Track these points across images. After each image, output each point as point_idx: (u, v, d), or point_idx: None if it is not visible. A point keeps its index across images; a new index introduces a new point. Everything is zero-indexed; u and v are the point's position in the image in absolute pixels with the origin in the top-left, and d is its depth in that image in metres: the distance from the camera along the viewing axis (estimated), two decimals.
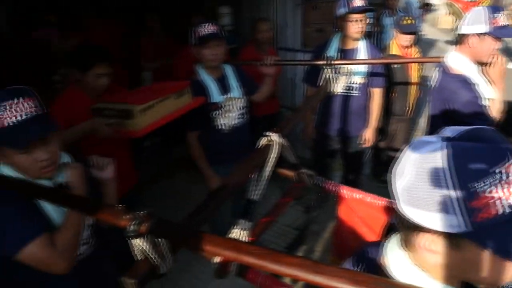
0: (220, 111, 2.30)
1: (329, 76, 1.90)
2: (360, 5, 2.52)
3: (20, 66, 3.71)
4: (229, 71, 2.36)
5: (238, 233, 1.29)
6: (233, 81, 2.34)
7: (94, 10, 3.69)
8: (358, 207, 1.75)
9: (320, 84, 1.94)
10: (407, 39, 3.18)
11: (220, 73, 2.32)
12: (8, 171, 1.19)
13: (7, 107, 1.10)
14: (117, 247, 2.48)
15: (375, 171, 3.96)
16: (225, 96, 2.30)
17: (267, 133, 1.33)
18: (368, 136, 2.97)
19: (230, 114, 2.35)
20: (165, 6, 4.37)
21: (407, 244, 0.68)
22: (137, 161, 4.06)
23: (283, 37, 4.03)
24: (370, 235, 1.80)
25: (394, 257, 0.69)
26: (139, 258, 0.87)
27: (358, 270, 0.77)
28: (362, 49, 2.71)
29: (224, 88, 2.31)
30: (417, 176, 0.61)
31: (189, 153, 2.41)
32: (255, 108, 3.02)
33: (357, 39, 2.68)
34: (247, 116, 2.48)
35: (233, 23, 4.20)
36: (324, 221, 3.32)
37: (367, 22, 2.62)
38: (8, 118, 1.11)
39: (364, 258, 0.78)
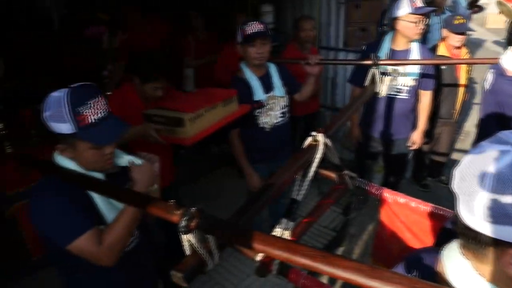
0: (262, 110, 2.31)
1: (376, 76, 1.85)
2: (422, 5, 2.42)
3: (74, 62, 3.91)
4: (272, 69, 2.36)
5: (280, 232, 1.29)
6: (276, 80, 2.34)
7: (139, 9, 3.79)
8: (401, 211, 1.70)
9: (366, 85, 1.90)
10: (459, 39, 3.05)
11: (264, 72, 2.32)
12: (68, 163, 1.24)
13: (91, 105, 1.16)
14: (159, 241, 2.58)
15: (416, 175, 3.83)
16: (268, 95, 2.31)
17: (312, 133, 1.32)
18: (416, 138, 2.90)
19: (272, 112, 2.35)
20: (209, 4, 4.43)
21: (471, 253, 0.65)
22: (175, 157, 4.16)
23: (325, 35, 3.98)
24: (414, 241, 1.75)
25: (455, 266, 0.67)
26: (188, 253, 0.89)
27: (413, 276, 0.75)
28: (414, 50, 2.60)
29: (267, 86, 2.31)
30: (504, 191, 0.57)
31: (229, 151, 2.44)
32: (295, 107, 3.00)
33: (414, 41, 2.58)
34: (289, 115, 2.48)
35: (275, 21, 4.19)
36: (362, 224, 3.26)
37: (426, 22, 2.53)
38: (91, 116, 1.17)
39: (419, 265, 0.76)
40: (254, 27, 2.13)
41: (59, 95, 1.16)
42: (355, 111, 1.60)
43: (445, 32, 3.13)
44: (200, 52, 3.83)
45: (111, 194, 1.05)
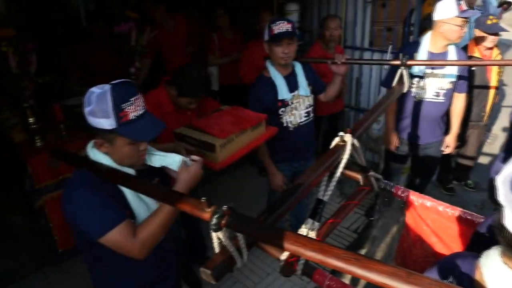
0: (287, 109, 2.30)
1: (404, 76, 1.81)
2: (468, 8, 2.35)
3: (102, 59, 4.00)
4: (298, 68, 2.35)
5: (306, 232, 1.29)
6: (301, 79, 2.33)
7: (165, 6, 3.83)
8: (428, 215, 1.67)
9: (393, 85, 1.87)
10: (491, 40, 2.95)
11: (289, 71, 2.31)
12: (101, 157, 1.27)
13: (132, 102, 1.20)
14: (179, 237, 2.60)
15: (441, 178, 3.74)
16: (292, 94, 2.30)
17: (340, 134, 1.31)
18: (450, 142, 2.86)
19: (297, 112, 2.34)
20: (235, 2, 4.44)
21: None
22: None
23: (351, 35, 3.93)
24: (440, 246, 1.71)
25: (496, 275, 0.65)
26: (217, 251, 0.90)
27: (448, 282, 0.73)
28: (452, 53, 2.54)
29: (292, 85, 2.30)
30: None
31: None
32: (319, 106, 2.98)
33: (451, 43, 2.51)
34: (313, 115, 2.46)
35: (301, 20, 4.16)
36: (385, 226, 3.21)
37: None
38: (132, 113, 1.20)
39: (454, 271, 0.74)
40: (281, 26, 2.12)
41: (102, 91, 1.19)
42: (382, 112, 1.57)
43: (477, 33, 3.03)
44: (225, 50, 3.84)
45: (142, 190, 1.07)
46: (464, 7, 2.34)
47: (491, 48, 3.03)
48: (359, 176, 1.55)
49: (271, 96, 2.25)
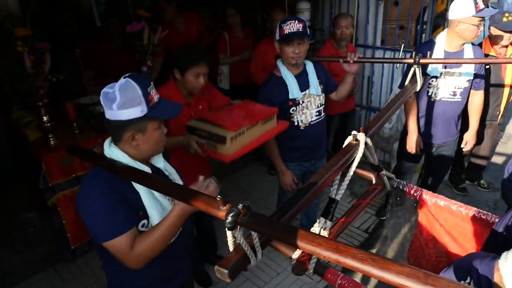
0: (298, 108, 2.30)
1: (417, 74, 1.80)
2: (484, 7, 2.30)
3: (115, 57, 4.03)
4: (309, 67, 2.34)
5: (318, 231, 1.28)
6: (312, 78, 2.32)
7: (176, 4, 3.85)
8: (441, 214, 1.66)
9: (406, 84, 1.85)
10: (507, 37, 2.90)
11: (300, 69, 2.30)
12: (119, 154, 1.28)
13: (153, 86, 1.27)
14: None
15: (454, 178, 3.70)
16: (303, 93, 2.29)
17: (353, 132, 1.30)
18: (469, 138, 2.83)
19: (308, 111, 2.33)
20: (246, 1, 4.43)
21: None
22: None
23: (362, 33, 3.90)
24: (453, 246, 1.70)
25: None
26: (231, 249, 0.90)
27: (466, 284, 0.73)
28: (468, 51, 2.50)
29: (303, 84, 2.29)
30: None
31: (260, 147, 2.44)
32: (330, 105, 2.97)
33: (467, 41, 2.47)
34: (324, 114, 2.45)
35: (312, 18, 4.15)
36: (395, 226, 3.19)
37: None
38: (155, 95, 1.27)
39: (471, 272, 0.73)
40: (292, 26, 2.10)
41: (122, 84, 1.22)
42: (395, 110, 1.56)
43: (492, 30, 2.98)
44: (236, 49, 3.84)
45: (159, 187, 1.08)
46: (481, 5, 2.30)
47: (506, 46, 2.99)
48: (371, 175, 1.54)
49: (282, 95, 2.24)
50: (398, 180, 1.63)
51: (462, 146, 2.86)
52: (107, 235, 1.19)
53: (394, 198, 3.21)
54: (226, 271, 0.82)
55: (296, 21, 2.12)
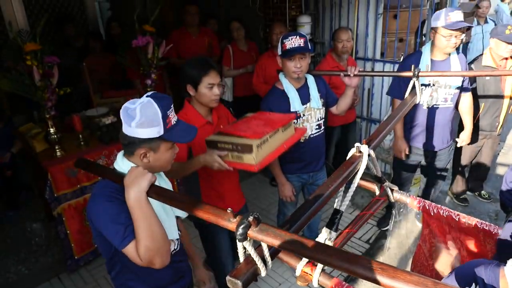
0: (298, 121, 2.34)
1: (417, 87, 1.84)
2: (458, 20, 2.37)
3: (120, 71, 4.10)
4: (310, 81, 2.38)
5: (323, 242, 1.31)
6: (313, 91, 2.36)
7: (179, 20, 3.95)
8: (444, 225, 1.68)
9: (407, 96, 1.89)
10: (509, 49, 2.95)
11: (302, 83, 2.35)
12: (126, 168, 1.29)
13: (172, 109, 1.30)
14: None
15: (454, 188, 3.72)
16: (304, 106, 2.33)
17: (356, 144, 1.33)
18: (465, 138, 2.97)
19: (308, 124, 2.37)
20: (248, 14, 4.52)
21: None
22: None
23: (362, 46, 3.97)
24: (458, 255, 1.71)
25: None
26: (242, 260, 0.93)
27: None
28: (454, 61, 2.58)
29: (305, 97, 2.34)
30: None
31: None
32: (331, 117, 3.00)
33: (449, 53, 2.57)
34: (324, 128, 2.49)
35: (313, 32, 4.22)
36: (397, 237, 3.20)
37: (462, 36, 2.49)
38: (173, 118, 1.31)
39: (477, 279, 0.76)
40: (294, 41, 2.14)
41: (145, 103, 1.25)
42: (396, 122, 1.59)
43: (493, 42, 3.04)
44: (240, 62, 3.91)
45: (169, 199, 1.10)
46: (453, 18, 2.37)
47: (506, 58, 3.04)
48: (375, 187, 1.58)
49: (284, 108, 2.28)
50: (401, 191, 1.65)
51: (458, 144, 3.01)
52: (123, 242, 1.21)
53: (397, 210, 3.24)
54: (239, 282, 0.84)
55: (298, 37, 2.16)
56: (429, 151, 2.88)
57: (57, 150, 2.78)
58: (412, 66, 1.92)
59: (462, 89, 2.71)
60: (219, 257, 2.22)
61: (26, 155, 3.30)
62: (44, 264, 2.97)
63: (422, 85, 2.60)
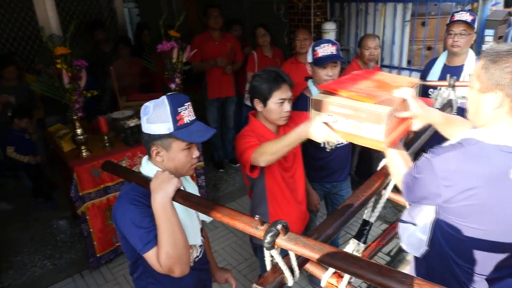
0: None
1: (452, 97, 1.78)
2: (461, 19, 2.43)
3: (146, 75, 4.18)
4: None
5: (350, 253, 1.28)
6: None
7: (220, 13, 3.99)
8: None
9: (440, 106, 1.83)
10: None
11: None
12: (155, 170, 1.29)
13: (186, 107, 1.29)
14: None
15: None
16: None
17: None
18: None
19: None
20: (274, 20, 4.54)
21: None
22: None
23: (388, 54, 3.91)
24: None
25: None
26: (269, 268, 0.91)
27: None
28: (469, 65, 2.53)
29: None
30: None
31: None
32: None
33: (455, 54, 2.56)
34: None
35: (338, 39, 4.19)
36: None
37: (470, 36, 2.51)
38: (186, 117, 1.29)
39: None
40: (326, 49, 2.11)
41: (158, 100, 1.28)
42: (430, 134, 1.54)
43: None
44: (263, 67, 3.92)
45: (195, 205, 1.09)
46: (458, 17, 2.49)
47: None
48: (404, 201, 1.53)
49: None
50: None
51: None
52: (146, 246, 1.20)
53: None
54: None
55: (330, 44, 2.13)
56: None
57: (83, 151, 2.84)
58: (448, 75, 1.85)
59: None
60: None
61: (54, 155, 3.40)
62: (68, 260, 3.05)
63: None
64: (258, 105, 1.83)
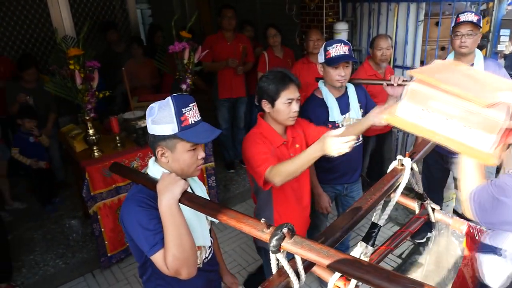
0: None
1: None
2: (467, 20, 2.40)
3: (157, 75, 4.21)
4: (351, 90, 2.31)
5: (358, 256, 1.26)
6: (353, 101, 2.29)
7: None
8: None
9: None
10: None
11: (342, 92, 2.28)
12: (161, 172, 1.30)
13: (191, 108, 1.29)
14: None
15: None
16: (344, 116, 2.26)
17: (398, 157, 1.27)
18: None
19: None
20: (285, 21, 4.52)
21: None
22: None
23: (401, 54, 3.86)
24: None
25: None
26: (275, 271, 0.91)
27: None
28: (478, 66, 2.49)
29: (344, 107, 2.27)
30: None
31: None
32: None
33: (463, 55, 2.52)
34: (362, 139, 2.41)
35: (350, 39, 4.16)
36: (430, 253, 3.05)
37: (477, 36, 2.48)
38: (191, 118, 1.28)
39: None
40: (338, 49, 2.09)
41: (163, 101, 1.28)
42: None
43: None
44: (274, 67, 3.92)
45: (202, 208, 1.09)
46: (463, 18, 2.44)
47: None
48: (415, 205, 1.50)
49: (322, 117, 2.22)
50: (443, 211, 1.56)
51: None
52: (152, 249, 1.21)
53: (438, 231, 3.09)
54: None
55: (342, 44, 2.11)
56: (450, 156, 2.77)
57: (95, 151, 2.87)
58: None
59: None
60: None
61: (66, 155, 3.45)
62: (80, 259, 3.09)
63: None
64: (266, 106, 1.83)
